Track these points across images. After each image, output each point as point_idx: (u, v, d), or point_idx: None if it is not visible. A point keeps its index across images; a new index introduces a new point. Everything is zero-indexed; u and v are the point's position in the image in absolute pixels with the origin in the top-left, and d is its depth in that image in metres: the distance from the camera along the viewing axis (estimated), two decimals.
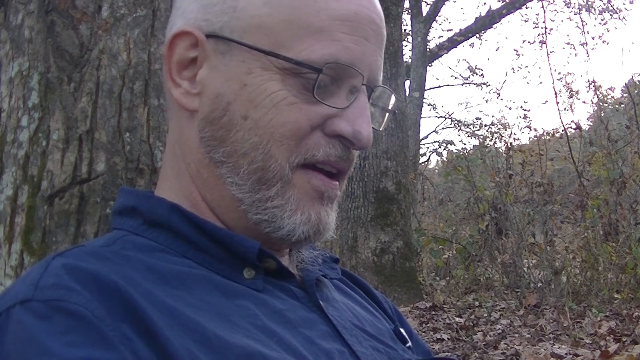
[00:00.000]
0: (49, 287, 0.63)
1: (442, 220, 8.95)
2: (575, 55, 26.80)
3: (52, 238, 0.99)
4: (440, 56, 16.90)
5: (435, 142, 19.67)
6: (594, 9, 16.26)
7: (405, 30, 14.51)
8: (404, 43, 13.36)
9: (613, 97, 16.67)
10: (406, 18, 14.69)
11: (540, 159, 7.59)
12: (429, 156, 19.07)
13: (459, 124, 19.62)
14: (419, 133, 15.71)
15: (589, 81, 17.47)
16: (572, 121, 20.94)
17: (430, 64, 16.69)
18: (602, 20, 16.75)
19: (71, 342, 0.59)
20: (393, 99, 0.86)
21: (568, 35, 43.36)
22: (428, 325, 5.18)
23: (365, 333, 0.81)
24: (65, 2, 1.04)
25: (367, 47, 0.77)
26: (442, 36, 19.45)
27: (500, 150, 9.50)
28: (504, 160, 7.98)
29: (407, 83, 14.16)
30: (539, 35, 18.26)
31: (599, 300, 5.60)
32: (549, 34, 21.87)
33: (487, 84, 23.42)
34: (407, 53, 14.89)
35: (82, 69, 1.04)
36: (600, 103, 13.43)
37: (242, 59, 0.76)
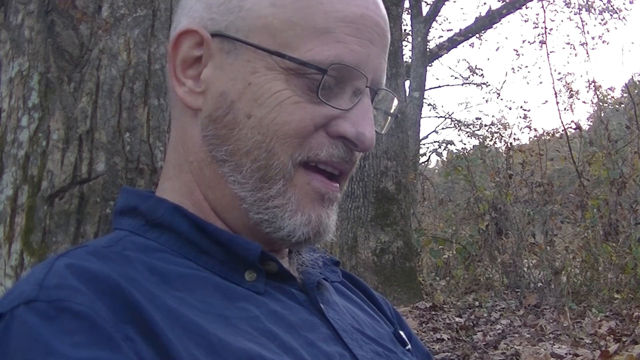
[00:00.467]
0: (53, 287, 0.63)
1: (442, 220, 8.95)
2: (575, 55, 26.78)
3: (52, 238, 0.99)
4: (440, 56, 16.90)
5: (435, 142, 19.69)
6: (594, 9, 16.28)
7: (405, 30, 14.51)
8: (404, 43, 13.37)
9: (613, 97, 16.72)
10: (406, 18, 14.71)
11: (540, 159, 7.59)
12: (429, 156, 19.06)
13: (459, 124, 19.63)
14: (419, 133, 15.72)
15: (589, 81, 17.51)
16: (572, 121, 20.95)
17: (430, 64, 16.70)
18: (602, 20, 16.77)
19: (77, 342, 0.59)
20: (396, 102, 0.86)
21: (568, 35, 43.47)
22: (428, 325, 5.17)
23: (365, 336, 0.81)
24: (65, 2, 1.04)
25: (372, 50, 0.77)
26: (442, 36, 19.53)
27: (500, 150, 9.51)
28: (504, 160, 7.98)
29: (407, 83, 14.17)
30: (539, 35, 18.27)
31: (599, 300, 5.60)
32: (549, 34, 21.88)
33: (487, 84, 23.49)
34: (407, 53, 14.90)
35: (82, 69, 1.03)
36: (600, 103, 13.45)
37: (247, 59, 0.76)
